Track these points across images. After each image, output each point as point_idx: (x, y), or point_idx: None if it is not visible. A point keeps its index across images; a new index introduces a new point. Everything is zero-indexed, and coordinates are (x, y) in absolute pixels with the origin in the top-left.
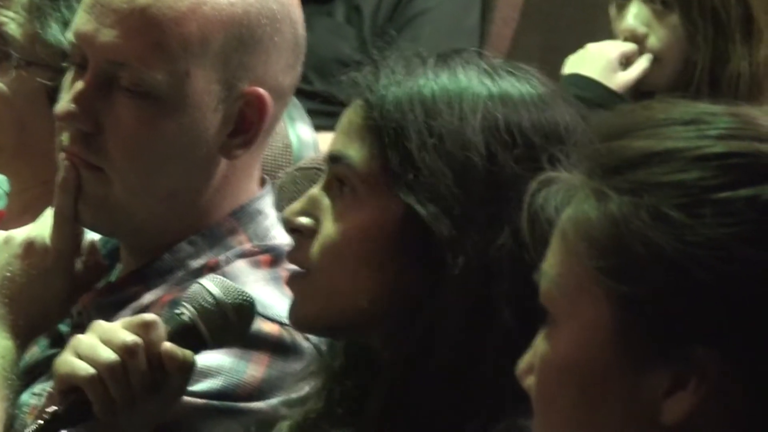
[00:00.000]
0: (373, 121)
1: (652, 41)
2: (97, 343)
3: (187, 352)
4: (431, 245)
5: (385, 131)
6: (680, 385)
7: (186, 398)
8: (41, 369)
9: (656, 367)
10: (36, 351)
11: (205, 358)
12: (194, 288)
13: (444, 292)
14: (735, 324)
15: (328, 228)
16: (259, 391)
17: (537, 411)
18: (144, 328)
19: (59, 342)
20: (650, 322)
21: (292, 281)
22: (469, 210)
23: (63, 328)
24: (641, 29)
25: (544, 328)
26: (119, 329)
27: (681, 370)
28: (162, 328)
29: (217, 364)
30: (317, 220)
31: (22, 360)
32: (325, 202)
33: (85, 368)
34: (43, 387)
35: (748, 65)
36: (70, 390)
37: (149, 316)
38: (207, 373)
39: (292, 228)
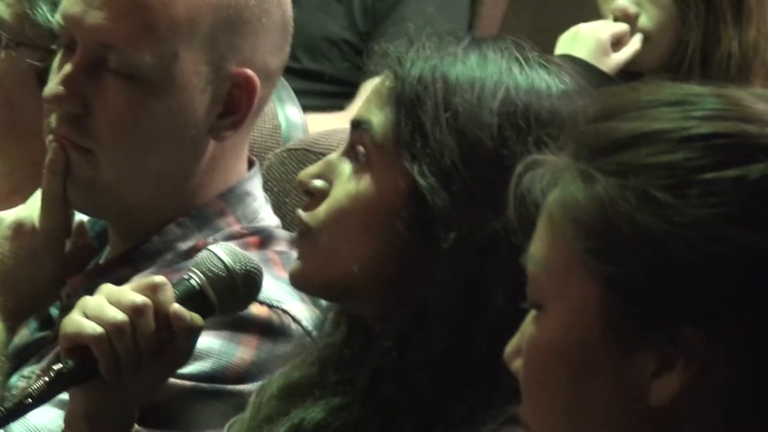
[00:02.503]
0: (395, 92)
1: (644, 21)
2: (105, 303)
3: (195, 315)
4: (430, 220)
5: (403, 101)
6: (667, 366)
7: (175, 380)
8: (31, 351)
9: (643, 349)
10: (25, 333)
11: None
12: (204, 254)
13: (438, 270)
14: (722, 304)
15: (338, 191)
16: (248, 374)
17: (525, 394)
18: (152, 290)
19: (49, 324)
20: (637, 303)
21: (298, 239)
22: (471, 188)
23: (53, 310)
24: (632, 8)
25: (532, 311)
26: (128, 290)
27: (668, 351)
28: (170, 290)
29: (207, 347)
30: (330, 183)
31: (11, 342)
32: (341, 166)
33: (93, 326)
34: (32, 369)
35: (738, 45)
36: (76, 349)
37: (158, 278)
38: (196, 356)
39: (305, 190)
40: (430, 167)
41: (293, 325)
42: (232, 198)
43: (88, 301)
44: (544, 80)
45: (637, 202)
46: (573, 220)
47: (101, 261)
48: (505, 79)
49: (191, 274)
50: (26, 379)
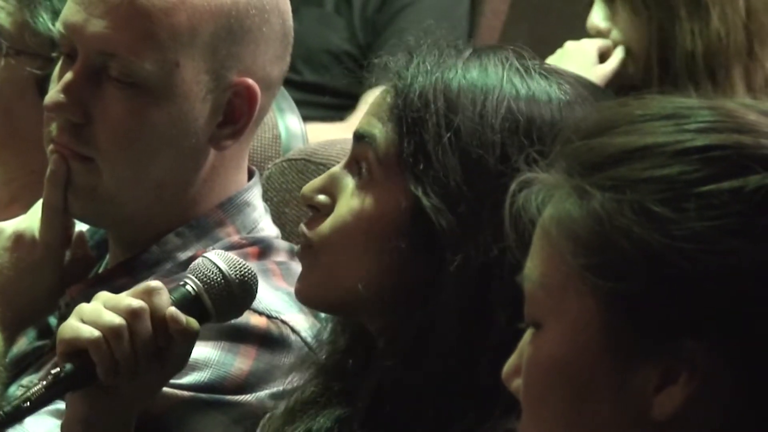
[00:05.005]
0: (397, 107)
1: (615, 34)
2: (102, 308)
3: (191, 319)
4: (435, 240)
5: (405, 118)
6: (670, 380)
7: (173, 391)
8: (29, 361)
9: (645, 363)
10: (24, 342)
11: (193, 351)
12: (200, 261)
13: (442, 290)
14: (723, 316)
15: (341, 207)
16: (247, 384)
17: (526, 412)
18: (148, 294)
19: (47, 334)
20: (638, 317)
21: (302, 253)
22: (476, 209)
23: (51, 320)
24: (603, 24)
25: (530, 329)
26: (124, 296)
27: (670, 364)
28: (167, 295)
29: (205, 357)
30: (334, 198)
31: (9, 352)
32: (345, 180)
33: (90, 330)
34: (30, 379)
35: (699, 40)
36: (74, 353)
37: (154, 283)
38: (194, 366)
39: (309, 204)
40: (434, 188)
41: (292, 336)
42: (232, 208)
43: (85, 307)
44: (545, 92)
45: (635, 217)
46: (569, 237)
47: (100, 270)
48: (506, 94)
49: (187, 281)
50: (24, 388)
